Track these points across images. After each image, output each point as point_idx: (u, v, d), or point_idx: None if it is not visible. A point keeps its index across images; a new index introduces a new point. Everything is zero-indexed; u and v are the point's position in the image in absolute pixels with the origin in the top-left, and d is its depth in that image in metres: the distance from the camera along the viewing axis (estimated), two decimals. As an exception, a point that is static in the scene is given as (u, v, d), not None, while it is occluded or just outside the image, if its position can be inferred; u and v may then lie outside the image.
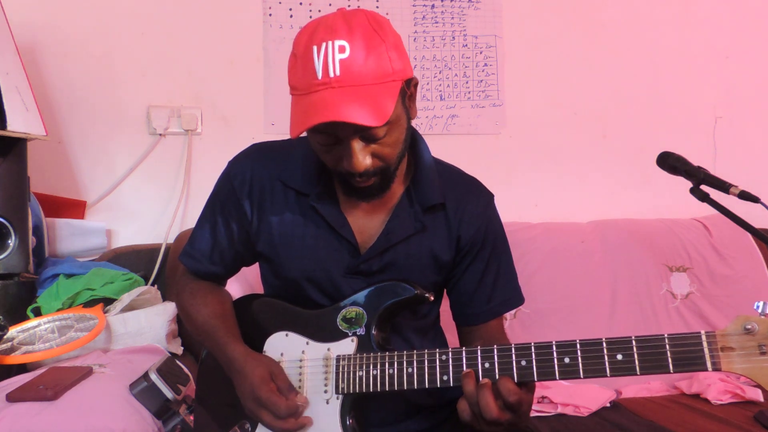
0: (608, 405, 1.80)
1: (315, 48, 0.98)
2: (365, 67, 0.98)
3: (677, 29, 2.49)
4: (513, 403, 0.93)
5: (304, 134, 1.21)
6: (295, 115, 1.02)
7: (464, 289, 1.22)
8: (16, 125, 1.64)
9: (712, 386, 1.86)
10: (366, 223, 1.17)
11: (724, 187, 1.23)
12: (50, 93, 2.06)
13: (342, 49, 0.97)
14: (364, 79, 0.97)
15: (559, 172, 2.40)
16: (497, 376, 0.97)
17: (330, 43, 0.98)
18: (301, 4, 2.23)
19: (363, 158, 1.02)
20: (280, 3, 2.22)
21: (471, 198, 1.21)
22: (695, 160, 1.33)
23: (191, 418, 1.32)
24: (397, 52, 1.02)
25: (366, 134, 1.01)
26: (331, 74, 0.97)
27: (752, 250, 2.22)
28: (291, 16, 2.22)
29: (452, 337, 1.30)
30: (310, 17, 2.21)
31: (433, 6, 2.33)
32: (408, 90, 1.08)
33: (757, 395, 1.82)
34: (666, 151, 1.36)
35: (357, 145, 1.01)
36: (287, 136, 1.26)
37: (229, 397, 1.14)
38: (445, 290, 1.28)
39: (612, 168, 2.43)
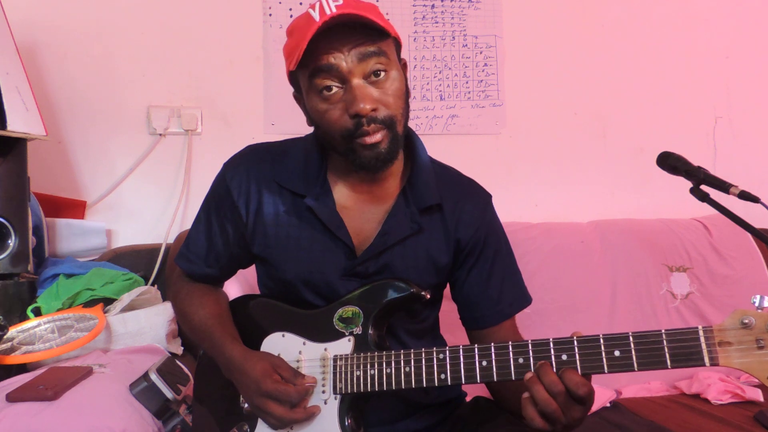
0: (608, 405, 1.80)
1: (310, 9, 1.02)
2: (359, 8, 1.01)
3: (677, 29, 2.49)
4: (583, 395, 0.90)
5: (303, 134, 1.22)
6: (295, 52, 1.03)
7: (470, 292, 1.21)
8: (16, 125, 1.64)
9: (712, 386, 1.86)
10: (362, 225, 1.16)
11: (724, 187, 1.23)
12: (50, 93, 2.06)
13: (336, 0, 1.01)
14: (360, 12, 1.00)
15: (559, 172, 2.40)
16: (495, 374, 0.96)
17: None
18: (301, 4, 2.23)
19: (368, 96, 1.02)
20: (280, 3, 2.22)
21: (468, 199, 1.21)
22: (695, 160, 1.33)
23: (191, 417, 1.33)
24: (385, 19, 1.06)
25: (368, 77, 1.03)
26: (328, 12, 0.99)
27: (752, 250, 2.22)
28: (291, 16, 2.22)
29: (456, 341, 1.29)
30: (310, 17, 2.21)
31: (433, 6, 2.33)
32: (401, 57, 1.11)
33: (757, 395, 1.82)
34: (666, 151, 1.37)
35: (360, 84, 1.02)
36: (287, 136, 1.28)
37: (227, 396, 1.14)
38: (449, 295, 1.26)
39: (612, 168, 2.43)
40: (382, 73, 1.04)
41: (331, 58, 1.00)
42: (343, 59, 1.01)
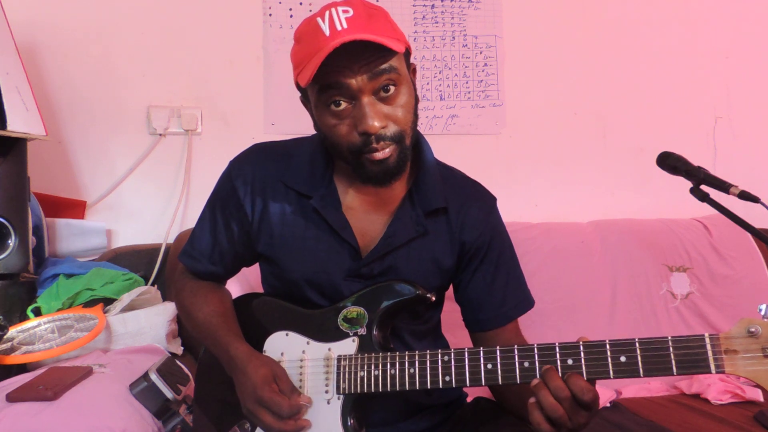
0: (608, 405, 1.80)
1: (319, 19, 1.01)
2: (370, 23, 1.00)
3: (677, 29, 2.49)
4: (588, 401, 0.90)
5: (303, 134, 1.22)
6: (306, 69, 1.02)
7: (474, 295, 1.21)
8: (16, 125, 1.63)
9: (712, 386, 1.86)
10: (367, 226, 1.16)
11: (724, 187, 1.23)
12: (50, 93, 2.06)
13: (346, 12, 1.00)
14: (371, 30, 0.99)
15: (559, 171, 2.40)
16: (500, 377, 0.96)
17: (333, 9, 1.01)
18: (301, 4, 2.23)
19: (377, 115, 1.02)
20: (280, 3, 2.22)
21: (474, 202, 1.20)
22: (695, 160, 1.33)
23: (191, 417, 1.32)
24: (395, 26, 1.05)
25: (378, 93, 1.02)
26: (339, 28, 0.99)
27: (752, 250, 2.22)
28: (291, 16, 2.22)
29: (456, 341, 1.29)
30: (310, 17, 2.21)
31: (433, 6, 2.32)
32: (410, 63, 1.10)
33: (757, 395, 1.82)
34: (666, 151, 1.36)
35: (370, 101, 1.01)
36: (288, 136, 1.27)
37: (227, 396, 1.14)
38: (452, 296, 1.26)
39: (612, 168, 2.43)
40: (392, 88, 1.03)
41: (341, 76, 1.00)
42: (353, 77, 1.00)
